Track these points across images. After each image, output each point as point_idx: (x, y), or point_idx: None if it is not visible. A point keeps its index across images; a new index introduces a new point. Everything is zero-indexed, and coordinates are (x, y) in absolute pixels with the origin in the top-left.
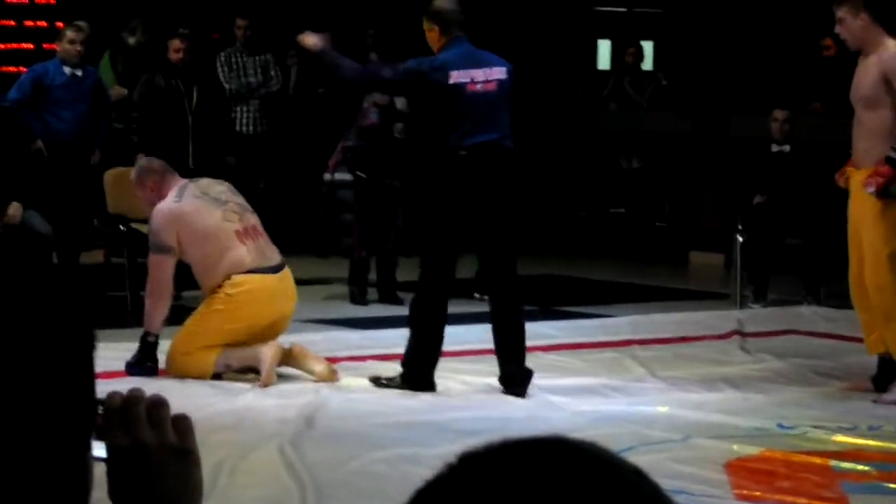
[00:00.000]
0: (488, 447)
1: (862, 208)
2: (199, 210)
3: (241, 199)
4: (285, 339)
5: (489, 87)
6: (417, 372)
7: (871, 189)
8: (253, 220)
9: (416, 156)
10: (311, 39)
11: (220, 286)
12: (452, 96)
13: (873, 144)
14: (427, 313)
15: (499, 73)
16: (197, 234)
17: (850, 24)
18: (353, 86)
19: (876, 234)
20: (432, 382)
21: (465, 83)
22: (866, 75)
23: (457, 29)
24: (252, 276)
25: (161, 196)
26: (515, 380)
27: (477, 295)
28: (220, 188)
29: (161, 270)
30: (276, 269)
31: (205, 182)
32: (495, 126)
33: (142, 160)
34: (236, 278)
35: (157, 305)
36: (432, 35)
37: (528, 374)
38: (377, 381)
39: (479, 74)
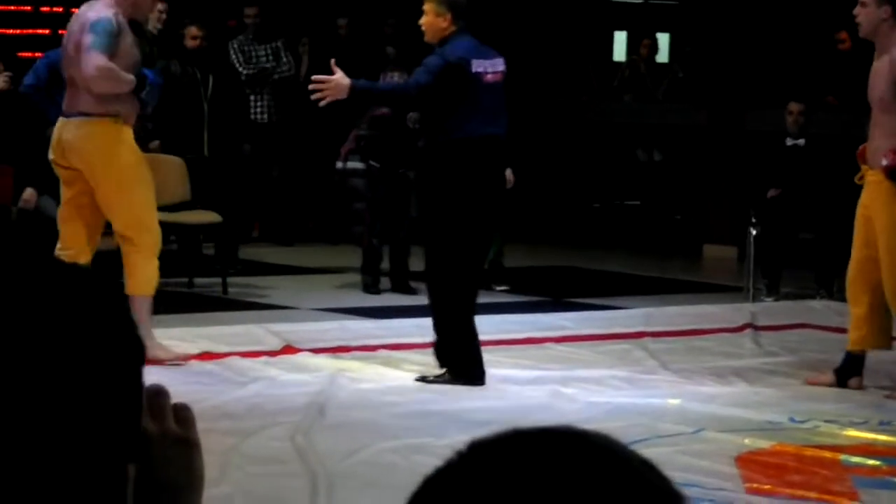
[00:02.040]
0: (498, 436)
1: (876, 209)
2: None
3: None
4: (294, 329)
5: (497, 78)
6: (466, 363)
7: (885, 162)
8: None
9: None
10: (336, 88)
11: None
12: (471, 84)
13: (887, 146)
14: (458, 303)
15: (501, 65)
16: None
17: (871, 12)
18: (401, 106)
19: (891, 238)
20: (483, 372)
21: (482, 72)
22: (881, 77)
23: (463, 20)
24: None
25: None
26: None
27: (493, 286)
28: None
29: None
30: None
31: None
32: (500, 118)
33: None
34: None
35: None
36: (441, 22)
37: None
38: (425, 380)
39: (490, 65)
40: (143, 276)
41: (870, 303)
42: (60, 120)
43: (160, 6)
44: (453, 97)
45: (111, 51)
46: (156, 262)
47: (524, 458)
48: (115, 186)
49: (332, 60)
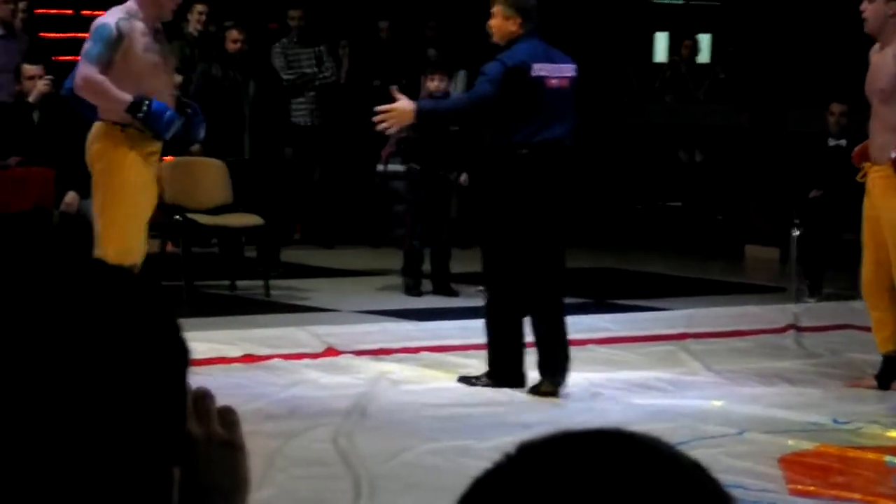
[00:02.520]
0: (548, 438)
1: (882, 204)
2: None
3: None
4: (336, 332)
5: (563, 83)
6: (505, 367)
7: (894, 154)
8: None
9: (474, 155)
10: (401, 115)
11: None
12: (532, 89)
13: (890, 139)
14: (505, 309)
15: (569, 70)
16: None
17: (879, 8)
18: (468, 121)
19: None
20: (522, 375)
21: (545, 77)
22: (882, 69)
23: (533, 23)
24: None
25: None
26: (555, 370)
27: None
28: None
29: None
30: None
31: None
32: (563, 124)
33: None
34: None
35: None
36: (510, 25)
37: (559, 382)
38: (467, 381)
39: (555, 70)
40: None
41: (888, 304)
42: None
43: (200, 7)
44: (513, 101)
45: (105, 60)
46: None
47: (574, 459)
48: (100, 193)
49: (395, 88)
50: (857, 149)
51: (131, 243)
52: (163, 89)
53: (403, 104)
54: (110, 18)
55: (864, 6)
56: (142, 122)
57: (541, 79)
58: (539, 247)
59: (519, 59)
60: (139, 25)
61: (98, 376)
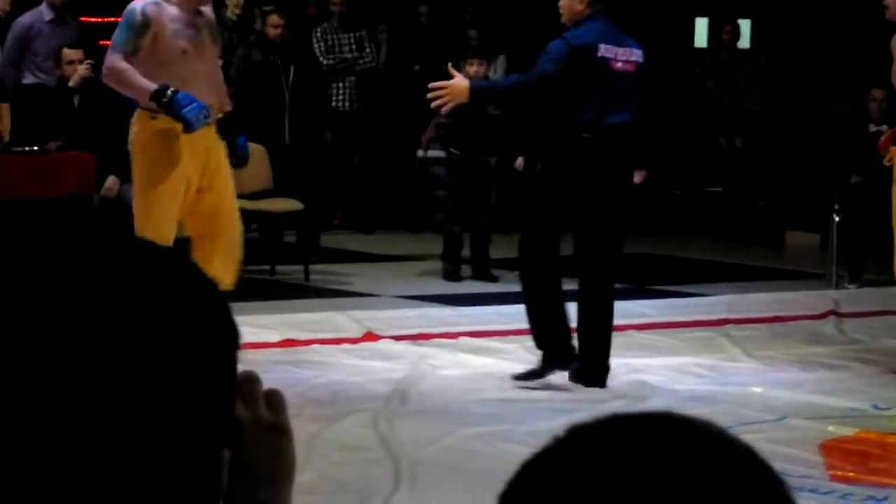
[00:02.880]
0: (598, 420)
1: None
2: None
3: None
4: (375, 316)
5: (629, 67)
6: (554, 347)
7: None
8: None
9: (532, 138)
10: (456, 92)
11: None
12: (597, 71)
13: None
14: (542, 286)
15: (637, 55)
16: None
17: None
18: (528, 100)
19: None
20: (572, 348)
21: (611, 58)
22: None
23: (603, 3)
24: None
25: None
26: (593, 377)
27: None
28: None
29: None
30: None
31: None
32: (627, 108)
33: None
34: None
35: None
36: (577, 4)
37: (606, 371)
38: (521, 377)
39: (621, 53)
40: None
41: None
42: None
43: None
44: (577, 82)
45: (131, 47)
46: None
47: (625, 442)
48: (135, 180)
49: (449, 64)
50: (884, 136)
51: (159, 233)
52: (192, 77)
53: (458, 81)
54: (138, 3)
55: None
56: (165, 111)
57: (606, 60)
58: (597, 233)
59: (585, 39)
60: (170, 11)
61: (148, 359)
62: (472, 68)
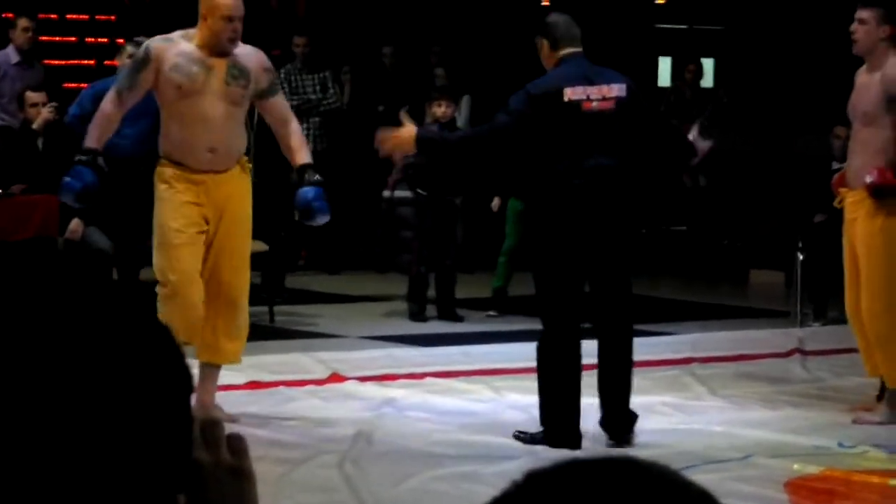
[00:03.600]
0: (556, 465)
1: (858, 226)
2: None
3: None
4: (341, 357)
5: (606, 105)
6: (560, 426)
7: (870, 179)
8: None
9: (520, 185)
10: (400, 142)
11: None
12: (567, 115)
13: (869, 162)
14: (560, 358)
15: (618, 89)
16: None
17: (871, 30)
18: (479, 153)
19: (871, 258)
20: (579, 436)
21: (581, 100)
22: (868, 91)
23: (569, 45)
24: None
25: None
26: (619, 425)
27: (492, 313)
28: None
29: None
30: None
31: None
32: (609, 150)
33: None
34: None
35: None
36: (544, 53)
37: (632, 418)
38: (519, 437)
39: (594, 91)
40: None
41: None
42: None
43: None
44: (548, 130)
45: (127, 82)
46: (168, 310)
47: (582, 487)
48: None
49: (403, 111)
50: (836, 176)
51: (163, 270)
52: (191, 117)
53: (406, 131)
54: (152, 38)
55: (856, 27)
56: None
57: (575, 103)
58: (605, 278)
59: (547, 86)
60: (184, 47)
61: (101, 403)
62: (440, 109)
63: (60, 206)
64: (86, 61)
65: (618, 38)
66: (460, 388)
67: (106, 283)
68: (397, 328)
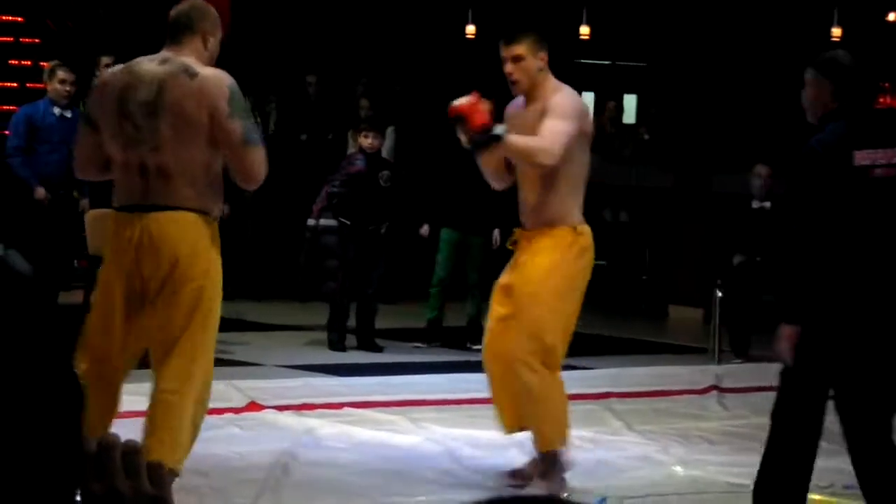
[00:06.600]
0: (488, 501)
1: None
2: None
3: None
4: (259, 386)
5: None
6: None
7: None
8: None
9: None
10: None
11: None
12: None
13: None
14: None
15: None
16: None
17: (530, 64)
18: None
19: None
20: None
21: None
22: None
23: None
24: None
25: None
26: None
27: (418, 344)
28: None
29: None
30: None
31: None
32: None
33: None
34: None
35: None
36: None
37: None
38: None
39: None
40: None
41: None
42: None
43: (105, 60)
44: None
45: (85, 118)
46: None
47: None
48: None
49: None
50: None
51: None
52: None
53: None
54: None
55: (510, 68)
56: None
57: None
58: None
59: None
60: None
61: None
62: (367, 140)
63: None
64: (9, 84)
65: None
66: (378, 419)
67: (21, 305)
68: (316, 357)
